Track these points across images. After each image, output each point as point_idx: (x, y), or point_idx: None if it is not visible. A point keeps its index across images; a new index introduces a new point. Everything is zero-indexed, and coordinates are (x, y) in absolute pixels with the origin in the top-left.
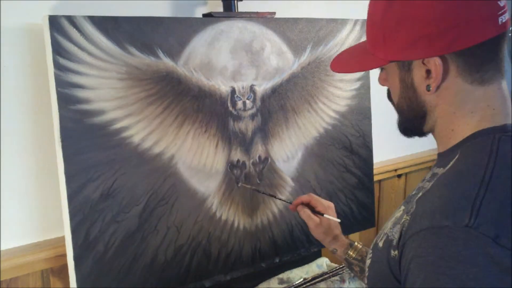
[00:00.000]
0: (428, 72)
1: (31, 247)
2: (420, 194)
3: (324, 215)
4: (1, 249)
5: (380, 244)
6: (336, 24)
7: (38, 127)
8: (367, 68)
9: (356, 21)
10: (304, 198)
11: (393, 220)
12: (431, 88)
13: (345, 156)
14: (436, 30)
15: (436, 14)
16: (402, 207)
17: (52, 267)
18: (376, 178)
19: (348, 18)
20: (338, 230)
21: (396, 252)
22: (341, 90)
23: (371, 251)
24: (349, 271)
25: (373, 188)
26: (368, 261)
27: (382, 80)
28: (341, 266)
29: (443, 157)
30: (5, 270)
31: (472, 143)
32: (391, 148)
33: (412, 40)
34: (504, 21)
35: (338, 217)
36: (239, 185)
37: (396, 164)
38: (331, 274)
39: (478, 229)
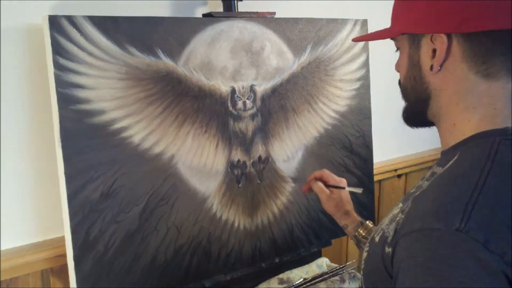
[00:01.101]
0: (434, 52)
1: (31, 247)
2: (418, 193)
3: (346, 188)
4: (1, 249)
5: (377, 239)
6: (336, 24)
7: (38, 127)
8: (380, 37)
9: (356, 21)
10: (317, 173)
11: (390, 216)
12: (434, 68)
13: (345, 156)
14: (448, 7)
15: None
16: (400, 204)
17: (52, 267)
18: (376, 178)
19: (348, 18)
20: (350, 206)
21: (390, 249)
22: (341, 90)
23: (368, 244)
24: (349, 271)
25: (373, 188)
26: (364, 254)
27: (396, 65)
28: (341, 266)
29: (444, 155)
30: (5, 270)
31: (472, 145)
32: (391, 148)
33: (425, 13)
34: None
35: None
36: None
37: (396, 164)
38: (331, 274)
39: (468, 233)
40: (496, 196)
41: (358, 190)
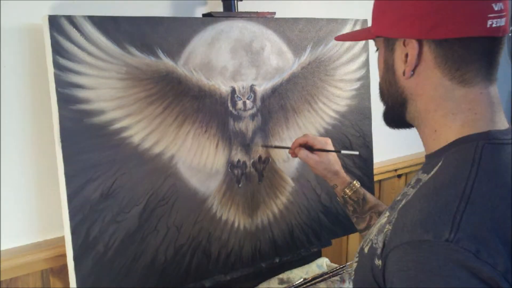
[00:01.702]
0: (407, 56)
1: (31, 247)
2: (404, 202)
3: (342, 152)
4: (1, 249)
5: (366, 250)
6: (336, 24)
7: (38, 127)
8: (356, 38)
9: (356, 21)
10: (300, 139)
11: (378, 226)
12: (406, 73)
13: (345, 156)
14: (419, 12)
15: None
16: (387, 213)
17: (52, 267)
18: (376, 178)
19: (348, 18)
20: (338, 166)
21: (380, 262)
22: (341, 90)
23: (357, 254)
24: (349, 271)
25: (373, 188)
26: (354, 265)
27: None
28: (341, 266)
29: (428, 160)
30: (5, 270)
31: (455, 151)
32: (391, 148)
33: (398, 17)
34: (496, 25)
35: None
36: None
37: (396, 164)
38: (331, 274)
39: (458, 244)
40: (484, 204)
41: (354, 153)
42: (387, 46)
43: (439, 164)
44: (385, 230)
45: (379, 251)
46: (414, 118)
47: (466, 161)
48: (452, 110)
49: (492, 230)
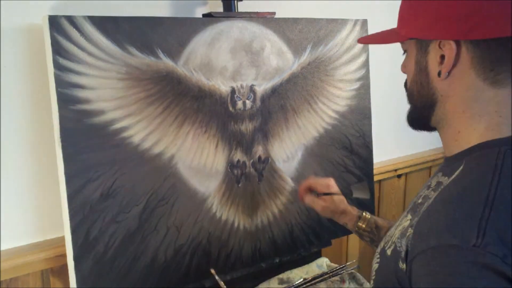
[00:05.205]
0: (443, 58)
1: (31, 247)
2: (425, 205)
3: (354, 195)
4: (1, 249)
5: (388, 252)
6: (336, 24)
7: (38, 127)
8: (387, 41)
9: (356, 21)
10: (304, 185)
11: (400, 229)
12: (441, 74)
13: (345, 156)
14: (457, 13)
15: None
16: (409, 216)
17: (52, 267)
18: (376, 178)
19: (348, 18)
20: (343, 205)
21: (404, 266)
22: (341, 90)
23: (378, 255)
24: (349, 271)
25: (373, 188)
26: (375, 265)
27: (402, 66)
28: (341, 266)
29: (448, 162)
30: (5, 270)
31: (477, 156)
32: (391, 148)
33: (433, 19)
34: None
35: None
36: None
37: (396, 164)
38: (331, 274)
39: (485, 248)
40: (507, 211)
41: (365, 196)
42: (420, 48)
43: (460, 167)
44: (408, 233)
45: (403, 254)
46: (439, 120)
47: (488, 167)
48: (479, 112)
49: None
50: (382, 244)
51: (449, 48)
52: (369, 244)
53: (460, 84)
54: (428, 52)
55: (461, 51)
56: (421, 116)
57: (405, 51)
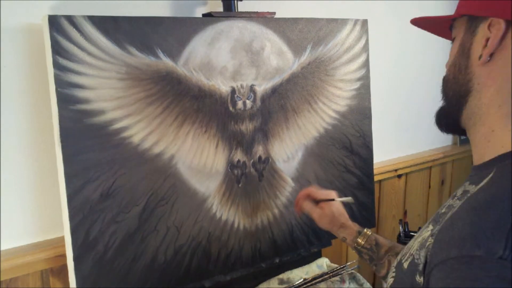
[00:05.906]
0: (487, 41)
1: (31, 247)
2: (449, 214)
3: (336, 199)
4: (1, 249)
5: (405, 265)
6: (336, 24)
7: (38, 127)
8: (439, 18)
9: (356, 21)
10: (304, 192)
11: (419, 240)
12: (483, 56)
13: (345, 156)
14: None
15: None
16: (430, 227)
17: (52, 267)
18: (376, 178)
19: (348, 18)
20: (343, 218)
21: (422, 279)
22: (341, 90)
23: (394, 269)
24: (349, 271)
25: (373, 188)
26: (390, 280)
27: (447, 64)
28: (341, 266)
29: (477, 171)
30: (5, 270)
31: (510, 163)
32: (391, 148)
33: None
34: None
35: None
36: None
37: (396, 164)
38: (331, 274)
39: None
40: None
41: (348, 200)
42: (469, 27)
43: (490, 175)
44: (428, 244)
45: (421, 267)
46: (470, 116)
47: None
48: None
49: None
50: (399, 257)
51: (497, 28)
52: (368, 262)
53: (501, 73)
54: (476, 33)
55: (507, 36)
56: (451, 110)
57: (453, 40)
